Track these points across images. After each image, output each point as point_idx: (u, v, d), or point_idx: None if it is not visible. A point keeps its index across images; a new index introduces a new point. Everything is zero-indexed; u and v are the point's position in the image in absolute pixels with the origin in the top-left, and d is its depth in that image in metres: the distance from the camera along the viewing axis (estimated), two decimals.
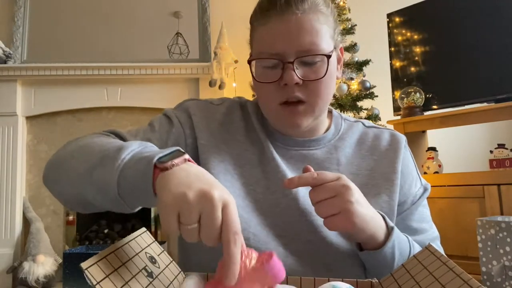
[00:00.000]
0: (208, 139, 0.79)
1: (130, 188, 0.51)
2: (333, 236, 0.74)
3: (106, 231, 3.05)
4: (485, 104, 2.30)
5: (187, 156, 0.50)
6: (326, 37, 0.73)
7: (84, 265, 0.33)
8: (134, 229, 2.66)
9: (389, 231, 0.68)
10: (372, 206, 0.72)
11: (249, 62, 0.76)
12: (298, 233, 0.74)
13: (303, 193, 0.76)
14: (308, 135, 0.82)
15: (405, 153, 0.85)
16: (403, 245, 0.71)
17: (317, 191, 0.62)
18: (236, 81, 3.00)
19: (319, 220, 0.73)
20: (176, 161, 0.48)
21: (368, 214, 0.64)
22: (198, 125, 0.80)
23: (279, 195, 0.76)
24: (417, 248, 0.74)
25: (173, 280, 0.49)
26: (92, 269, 0.33)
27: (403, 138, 0.86)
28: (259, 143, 0.81)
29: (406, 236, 0.74)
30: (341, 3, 2.69)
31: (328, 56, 0.73)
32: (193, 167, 0.48)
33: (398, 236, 0.70)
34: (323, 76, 0.73)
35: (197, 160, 0.79)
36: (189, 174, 0.46)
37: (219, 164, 0.77)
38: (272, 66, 0.73)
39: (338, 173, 0.71)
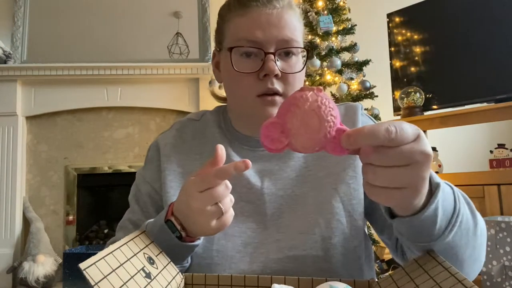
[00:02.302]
0: (168, 171, 0.79)
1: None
2: (299, 227, 0.73)
3: (106, 231, 3.05)
4: (485, 104, 2.30)
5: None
6: (300, 35, 0.76)
7: (82, 265, 0.33)
8: None
9: (433, 190, 0.51)
10: (340, 182, 0.73)
11: (230, 49, 0.74)
12: (266, 237, 0.74)
13: (269, 196, 0.76)
14: None
15: (363, 120, 0.81)
16: (447, 203, 0.54)
17: (388, 155, 0.42)
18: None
19: (286, 220, 0.74)
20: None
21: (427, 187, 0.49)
22: (163, 164, 0.80)
23: (243, 203, 0.76)
24: (462, 200, 0.58)
25: (171, 281, 0.49)
26: (90, 269, 0.34)
27: (358, 106, 0.83)
28: None
29: (450, 186, 0.58)
30: (341, 3, 2.69)
31: (308, 50, 0.76)
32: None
33: (443, 190, 0.53)
34: (301, 70, 0.75)
35: None
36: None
37: (177, 190, 0.77)
38: (250, 56, 0.73)
39: (305, 159, 0.76)
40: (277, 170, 0.78)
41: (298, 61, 0.75)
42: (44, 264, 2.63)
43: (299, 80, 0.75)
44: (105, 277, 0.35)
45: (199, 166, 0.79)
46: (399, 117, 2.61)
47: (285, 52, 0.73)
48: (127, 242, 0.44)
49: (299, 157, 0.79)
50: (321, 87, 0.43)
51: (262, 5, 0.72)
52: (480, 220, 0.62)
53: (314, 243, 0.72)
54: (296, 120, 0.41)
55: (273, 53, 0.71)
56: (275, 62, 0.71)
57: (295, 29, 0.74)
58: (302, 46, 0.76)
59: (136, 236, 0.50)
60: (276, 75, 0.71)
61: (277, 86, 0.72)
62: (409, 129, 0.42)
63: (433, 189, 0.51)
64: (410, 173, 0.43)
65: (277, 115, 0.43)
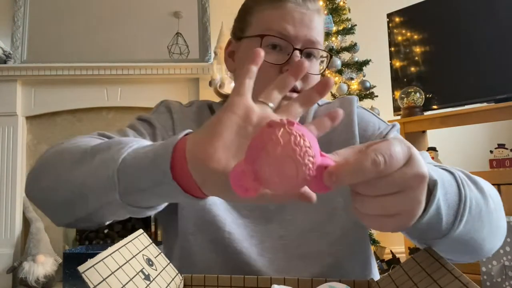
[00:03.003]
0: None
1: (136, 164, 0.48)
2: (302, 224, 0.74)
3: (106, 231, 3.05)
4: (485, 104, 2.30)
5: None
6: (322, 42, 0.78)
7: (81, 268, 0.33)
8: (134, 229, 2.66)
9: (431, 189, 0.48)
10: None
11: (262, 36, 0.73)
12: (269, 231, 0.75)
13: None
14: None
15: (358, 112, 0.81)
16: (450, 196, 0.51)
17: (377, 185, 0.38)
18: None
19: (288, 215, 0.75)
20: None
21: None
22: (177, 123, 0.80)
23: None
24: (466, 182, 0.55)
25: (170, 283, 0.50)
26: (89, 272, 0.34)
27: (353, 99, 0.83)
28: None
29: (450, 172, 0.56)
30: (341, 3, 2.69)
31: (331, 56, 0.78)
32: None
33: (442, 182, 0.50)
34: (319, 74, 0.77)
35: None
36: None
37: None
38: (275, 47, 0.73)
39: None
40: None
41: (317, 64, 0.77)
42: (44, 264, 2.63)
43: (315, 82, 0.76)
44: (104, 279, 0.35)
45: None
46: (399, 117, 2.61)
47: (308, 53, 0.75)
48: (126, 244, 0.45)
49: None
50: (292, 120, 0.36)
51: (296, 3, 0.74)
52: (487, 188, 0.59)
53: (318, 239, 0.73)
54: (269, 168, 0.35)
55: (300, 50, 0.73)
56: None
57: (321, 34, 0.76)
58: (326, 51, 0.79)
59: (135, 238, 0.50)
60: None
61: (297, 83, 0.73)
62: (399, 152, 0.37)
63: (431, 187, 0.48)
64: (404, 199, 0.38)
65: (246, 159, 0.37)
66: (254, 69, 0.45)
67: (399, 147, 0.37)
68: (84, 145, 0.60)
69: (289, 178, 0.35)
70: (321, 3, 2.65)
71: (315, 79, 0.75)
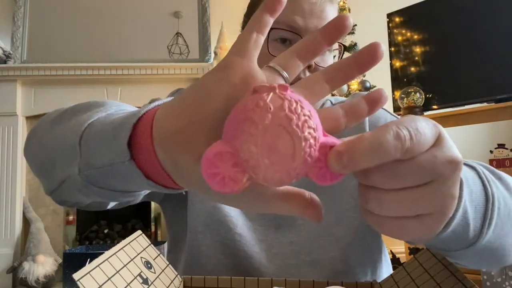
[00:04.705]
0: None
1: (97, 133, 0.40)
2: (313, 229, 0.71)
3: (106, 231, 3.05)
4: (485, 104, 2.30)
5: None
6: None
7: (76, 276, 0.32)
8: (134, 229, 2.66)
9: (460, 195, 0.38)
10: (347, 177, 0.69)
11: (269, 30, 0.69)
12: (279, 236, 0.72)
13: None
14: None
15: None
16: (475, 196, 0.43)
17: (401, 172, 0.28)
18: None
19: (299, 220, 0.72)
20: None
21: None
22: None
23: None
24: (490, 178, 0.47)
25: (169, 285, 0.49)
26: (84, 279, 0.33)
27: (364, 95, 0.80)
28: None
29: (471, 167, 0.48)
30: (341, 3, 2.69)
31: (344, 46, 0.73)
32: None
33: (467, 182, 0.42)
34: None
35: None
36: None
37: None
38: (285, 41, 0.70)
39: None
40: None
41: (330, 57, 0.72)
42: (44, 264, 2.63)
43: None
44: (100, 286, 0.34)
45: None
46: (399, 117, 2.61)
47: None
48: (123, 247, 0.44)
49: None
50: (285, 84, 0.27)
51: None
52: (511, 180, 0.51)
53: (329, 244, 0.70)
54: (255, 145, 0.25)
55: None
56: None
57: None
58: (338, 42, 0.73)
59: (133, 240, 0.49)
60: (309, 66, 0.68)
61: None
62: (426, 128, 0.28)
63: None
64: (434, 193, 0.29)
65: (224, 137, 0.27)
66: (268, 20, 0.32)
67: (424, 122, 0.28)
68: (74, 105, 0.52)
69: (283, 157, 0.25)
70: None
71: None
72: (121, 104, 0.48)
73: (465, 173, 0.43)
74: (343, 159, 0.25)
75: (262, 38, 0.32)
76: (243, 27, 0.80)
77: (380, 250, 0.75)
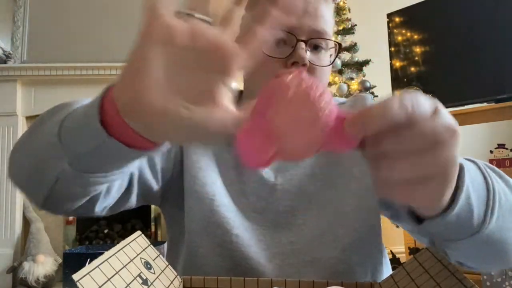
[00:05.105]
0: None
1: (72, 126, 0.44)
2: (313, 228, 0.71)
3: (106, 231, 3.05)
4: (485, 104, 2.30)
5: None
6: (332, 30, 0.73)
7: (76, 276, 0.32)
8: (134, 230, 2.66)
9: (460, 179, 0.43)
10: (350, 178, 0.70)
11: None
12: (278, 236, 0.72)
13: (282, 192, 0.73)
14: None
15: None
16: (477, 184, 0.46)
17: (407, 137, 0.33)
18: (235, 81, 3.00)
19: (299, 219, 0.72)
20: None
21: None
22: None
23: (255, 198, 0.74)
24: (491, 173, 0.51)
25: (168, 286, 0.49)
26: (84, 280, 0.33)
27: (367, 97, 0.81)
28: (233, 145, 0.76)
29: (473, 162, 0.52)
30: (341, 3, 2.69)
31: (340, 45, 0.72)
32: None
33: (469, 171, 0.45)
34: (329, 64, 0.72)
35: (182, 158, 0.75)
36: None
37: (201, 158, 0.74)
38: (280, 42, 0.69)
39: (317, 155, 0.55)
40: (292, 166, 0.75)
41: (326, 55, 0.72)
42: (44, 264, 2.63)
43: (325, 75, 0.73)
44: (100, 287, 0.34)
45: (219, 147, 0.76)
46: None
47: (315, 44, 0.70)
48: (123, 248, 0.44)
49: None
50: (301, 70, 0.33)
51: None
52: None
53: (329, 245, 0.70)
54: (281, 116, 0.30)
55: (305, 42, 0.68)
56: (306, 51, 0.68)
57: (329, 23, 0.71)
58: (334, 41, 0.73)
59: (133, 240, 0.49)
60: (304, 65, 0.68)
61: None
62: (425, 100, 0.33)
63: (459, 174, 0.42)
64: (437, 157, 0.33)
65: (254, 114, 0.31)
66: None
67: (422, 96, 0.33)
68: (43, 113, 0.55)
69: (305, 125, 0.31)
70: None
71: (325, 70, 0.72)
72: (84, 99, 0.51)
73: (467, 165, 0.46)
74: (358, 124, 0.31)
75: None
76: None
77: (380, 251, 0.75)
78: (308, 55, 0.68)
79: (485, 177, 0.48)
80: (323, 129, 0.31)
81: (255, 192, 0.74)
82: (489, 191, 0.47)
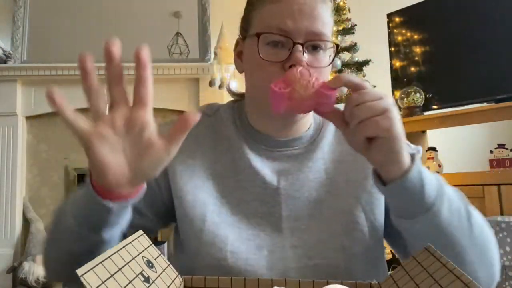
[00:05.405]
0: (177, 160, 0.71)
1: (80, 212, 0.60)
2: (317, 234, 0.71)
3: None
4: (485, 104, 2.30)
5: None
6: (330, 30, 0.73)
7: (80, 271, 0.33)
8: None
9: (412, 157, 0.59)
10: (362, 191, 0.73)
11: (258, 35, 0.70)
12: (281, 240, 0.71)
13: (285, 197, 0.73)
14: (292, 133, 0.78)
15: None
16: (429, 176, 0.60)
17: (367, 95, 0.57)
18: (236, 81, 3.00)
19: (302, 225, 0.72)
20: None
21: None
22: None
23: (257, 203, 0.73)
24: (446, 185, 0.64)
25: (170, 285, 0.49)
26: (88, 275, 0.33)
27: None
28: (231, 151, 0.77)
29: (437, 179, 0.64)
30: (341, 3, 2.69)
31: (337, 45, 0.73)
32: None
33: (425, 170, 0.60)
34: (328, 65, 0.72)
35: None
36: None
37: (188, 181, 0.74)
38: (277, 45, 0.70)
39: (324, 161, 0.76)
40: (295, 170, 0.75)
41: (325, 56, 0.72)
42: None
43: (325, 75, 0.72)
44: (103, 282, 0.34)
45: (211, 160, 0.76)
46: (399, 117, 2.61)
47: (313, 45, 0.70)
48: (125, 246, 0.44)
49: (318, 159, 0.76)
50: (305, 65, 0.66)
51: None
52: (478, 217, 0.64)
53: (334, 252, 0.69)
54: (293, 84, 0.60)
55: (302, 44, 0.68)
56: (303, 54, 0.68)
57: (326, 23, 0.71)
58: (331, 43, 0.73)
59: (135, 239, 0.49)
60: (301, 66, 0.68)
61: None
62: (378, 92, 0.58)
63: (412, 157, 0.59)
64: (387, 119, 0.55)
65: (281, 82, 0.61)
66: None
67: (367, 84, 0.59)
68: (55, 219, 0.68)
69: (305, 88, 0.59)
70: None
71: (324, 71, 0.72)
72: (71, 199, 0.66)
73: (425, 169, 0.60)
74: (334, 80, 0.58)
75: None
76: (241, 31, 0.79)
77: (384, 265, 0.75)
78: (305, 57, 0.69)
79: (439, 182, 0.61)
80: (313, 87, 0.59)
81: (257, 198, 0.74)
82: (441, 186, 0.61)
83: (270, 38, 0.69)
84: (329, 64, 0.73)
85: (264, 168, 0.75)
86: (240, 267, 0.68)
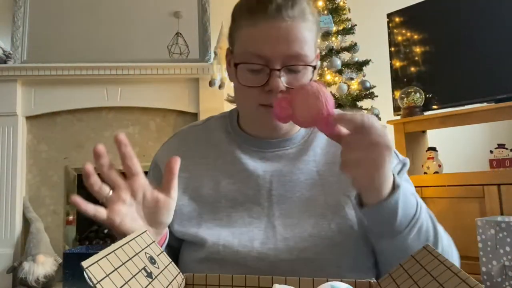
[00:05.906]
0: None
1: None
2: (310, 229, 0.73)
3: (106, 231, 3.05)
4: (485, 104, 2.30)
5: None
6: (311, 45, 0.74)
7: (85, 263, 0.33)
8: None
9: (395, 187, 0.63)
10: (352, 189, 0.73)
11: (236, 65, 0.74)
12: (273, 233, 0.73)
13: (278, 198, 0.76)
14: (283, 135, 0.81)
15: None
16: (408, 206, 0.64)
17: (359, 138, 0.58)
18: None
19: (294, 220, 0.74)
20: None
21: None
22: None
23: (250, 204, 0.76)
24: (425, 213, 0.68)
25: (172, 281, 0.50)
26: (92, 268, 0.34)
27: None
28: (222, 157, 0.81)
29: (416, 200, 0.68)
30: (341, 3, 2.69)
31: (314, 67, 0.74)
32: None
33: (405, 194, 0.64)
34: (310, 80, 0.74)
35: None
36: None
37: (181, 195, 0.78)
38: (257, 70, 0.72)
39: (316, 164, 0.78)
40: (287, 172, 0.78)
41: (305, 74, 0.74)
42: (44, 264, 2.63)
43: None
44: (107, 275, 0.35)
45: (204, 169, 0.80)
46: (399, 117, 2.61)
47: (291, 68, 0.72)
48: (129, 241, 0.45)
49: (310, 161, 0.79)
50: (319, 82, 0.62)
51: (270, 17, 0.70)
52: (445, 239, 0.71)
53: (325, 247, 0.71)
54: (300, 97, 0.60)
55: (279, 70, 0.70)
56: (280, 78, 0.70)
57: (305, 43, 0.72)
58: (313, 57, 0.74)
59: (138, 236, 0.50)
60: (281, 91, 0.71)
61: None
62: (376, 120, 0.58)
63: (395, 188, 0.62)
64: (371, 152, 0.57)
65: (290, 94, 0.64)
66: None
67: (375, 119, 0.59)
68: None
69: (310, 106, 0.60)
70: (320, 3, 2.65)
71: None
72: None
73: (406, 194, 0.64)
74: (339, 119, 0.58)
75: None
76: (229, 42, 0.81)
77: (372, 260, 0.76)
78: (284, 80, 0.71)
79: (417, 208, 0.66)
80: (318, 113, 0.59)
81: (251, 199, 0.76)
82: (415, 216, 0.65)
83: (248, 66, 0.72)
84: (310, 80, 0.74)
85: (257, 169, 0.78)
86: (230, 259, 0.71)
